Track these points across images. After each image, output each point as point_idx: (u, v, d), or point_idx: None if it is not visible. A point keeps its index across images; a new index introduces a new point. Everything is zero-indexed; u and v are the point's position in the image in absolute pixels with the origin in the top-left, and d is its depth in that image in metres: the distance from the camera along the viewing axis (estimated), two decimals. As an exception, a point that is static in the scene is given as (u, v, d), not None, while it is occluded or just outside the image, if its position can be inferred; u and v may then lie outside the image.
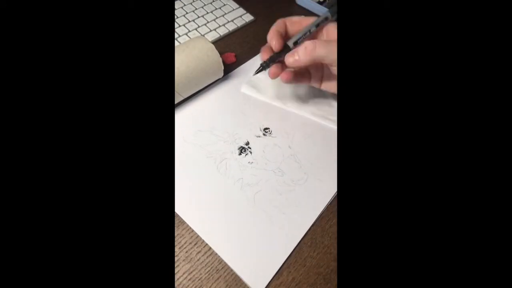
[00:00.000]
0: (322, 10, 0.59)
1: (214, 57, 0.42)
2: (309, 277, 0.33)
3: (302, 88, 0.48)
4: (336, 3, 0.35)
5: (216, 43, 0.52)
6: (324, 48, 0.33)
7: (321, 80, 0.40)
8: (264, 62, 0.37)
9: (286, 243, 0.34)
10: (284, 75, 0.37)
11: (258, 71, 0.38)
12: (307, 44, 0.34)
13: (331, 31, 0.36)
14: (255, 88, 0.47)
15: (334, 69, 0.35)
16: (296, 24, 0.37)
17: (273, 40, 0.36)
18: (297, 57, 0.34)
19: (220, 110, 0.44)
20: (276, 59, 0.37)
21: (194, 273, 0.32)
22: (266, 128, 0.43)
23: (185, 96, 0.42)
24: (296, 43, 0.36)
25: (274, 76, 0.37)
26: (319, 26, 0.36)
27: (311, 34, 0.36)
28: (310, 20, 0.37)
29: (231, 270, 0.32)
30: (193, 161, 0.39)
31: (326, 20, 0.36)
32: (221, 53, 0.43)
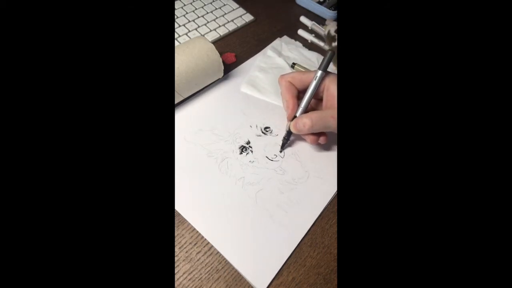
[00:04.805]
0: (322, 10, 0.59)
1: (214, 57, 0.42)
2: (309, 277, 0.33)
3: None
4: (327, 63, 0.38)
5: (216, 43, 0.52)
6: (321, 124, 0.37)
7: None
8: (284, 138, 0.41)
9: (288, 241, 0.34)
10: (323, 139, 0.40)
11: (282, 147, 0.41)
12: (306, 121, 0.37)
13: (331, 92, 0.38)
14: (255, 87, 0.47)
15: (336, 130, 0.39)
16: (297, 80, 0.40)
17: (289, 109, 0.40)
18: (300, 129, 0.38)
19: (220, 109, 0.44)
20: (289, 138, 0.41)
21: (194, 273, 0.32)
22: (267, 127, 0.43)
23: (185, 96, 0.42)
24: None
25: (314, 143, 0.40)
26: (317, 88, 0.39)
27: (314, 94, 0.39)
28: (307, 74, 0.39)
29: (231, 270, 0.32)
30: (194, 160, 0.39)
31: (320, 79, 0.38)
32: (221, 53, 0.44)
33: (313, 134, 0.39)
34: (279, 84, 0.41)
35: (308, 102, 0.39)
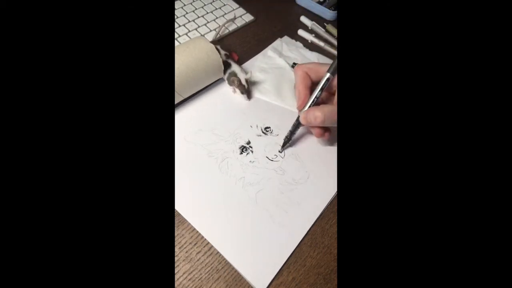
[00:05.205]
0: (322, 10, 0.59)
1: (214, 57, 0.42)
2: (309, 277, 0.33)
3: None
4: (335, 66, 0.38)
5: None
6: (332, 118, 0.37)
7: None
8: (286, 137, 0.41)
9: (288, 241, 0.34)
10: (327, 135, 0.41)
11: (284, 145, 0.41)
12: (318, 115, 0.37)
13: None
14: (256, 87, 0.47)
15: None
16: (314, 71, 0.40)
17: (299, 100, 0.41)
18: (310, 121, 0.38)
19: (220, 109, 0.44)
20: (295, 132, 0.41)
21: (194, 273, 0.32)
22: (267, 127, 0.43)
23: (186, 96, 0.42)
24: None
25: (320, 136, 0.40)
26: (323, 89, 0.39)
27: (324, 90, 0.39)
28: (323, 67, 0.39)
29: (231, 270, 0.32)
30: (195, 160, 0.39)
31: (328, 81, 0.38)
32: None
33: (320, 127, 0.39)
34: (295, 73, 0.41)
35: (316, 99, 0.39)
